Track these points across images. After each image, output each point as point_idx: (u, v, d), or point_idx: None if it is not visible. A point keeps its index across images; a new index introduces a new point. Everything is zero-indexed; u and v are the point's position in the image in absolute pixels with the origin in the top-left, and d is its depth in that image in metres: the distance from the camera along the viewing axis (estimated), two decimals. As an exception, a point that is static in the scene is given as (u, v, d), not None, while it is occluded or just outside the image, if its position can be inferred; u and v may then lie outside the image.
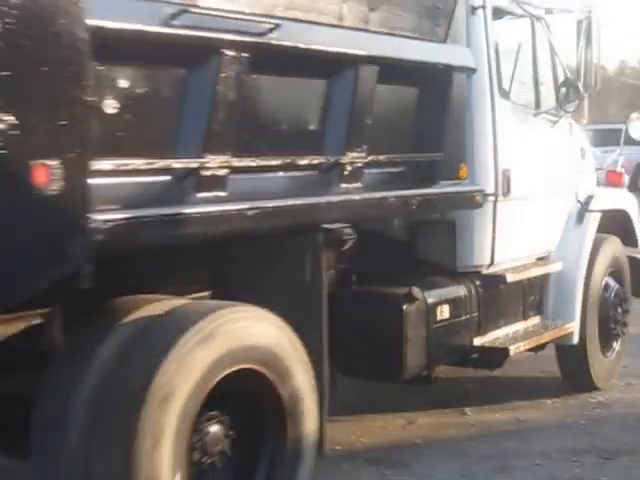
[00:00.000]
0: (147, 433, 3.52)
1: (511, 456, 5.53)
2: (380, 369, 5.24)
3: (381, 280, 5.37)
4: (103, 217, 3.34)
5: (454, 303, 5.51)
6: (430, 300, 5.32)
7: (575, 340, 6.34)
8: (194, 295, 4.41)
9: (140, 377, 3.58)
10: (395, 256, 5.72)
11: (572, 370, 6.65)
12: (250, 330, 3.92)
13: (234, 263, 4.35)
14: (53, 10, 3.17)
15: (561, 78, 6.34)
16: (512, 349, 5.73)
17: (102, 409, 3.62)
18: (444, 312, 5.42)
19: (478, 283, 5.73)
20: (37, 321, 3.99)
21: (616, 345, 6.93)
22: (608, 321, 6.76)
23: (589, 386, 6.63)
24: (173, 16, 3.58)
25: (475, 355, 5.77)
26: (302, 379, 4.13)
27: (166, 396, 3.56)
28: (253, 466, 4.05)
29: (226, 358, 3.79)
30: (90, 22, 3.26)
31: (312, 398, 4.18)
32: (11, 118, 3.04)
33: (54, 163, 3.16)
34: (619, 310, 6.89)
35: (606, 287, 6.74)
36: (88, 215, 3.28)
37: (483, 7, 5.63)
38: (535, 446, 5.69)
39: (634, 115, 7.46)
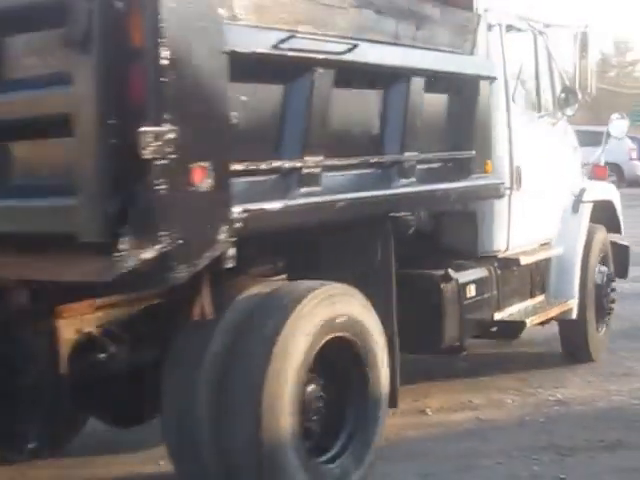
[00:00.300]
0: (270, 387, 4.22)
1: (472, 455, 5.58)
2: (421, 341, 5.94)
3: (416, 263, 6.10)
4: (241, 208, 4.05)
5: (478, 283, 6.26)
6: (461, 280, 6.05)
7: (574, 315, 7.16)
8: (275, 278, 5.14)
9: (262, 344, 4.27)
10: (422, 243, 6.46)
11: (573, 344, 7.45)
12: (341, 304, 4.64)
13: (315, 248, 5.06)
14: (201, 40, 3.86)
15: (560, 85, 7.17)
16: (528, 322, 6.54)
17: (229, 367, 4.30)
18: (472, 291, 6.17)
19: (496, 265, 6.49)
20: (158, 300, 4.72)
21: (606, 321, 7.79)
22: (601, 299, 7.61)
23: (587, 358, 7.42)
24: (282, 40, 4.29)
25: (495, 328, 6.55)
26: (378, 342, 4.87)
27: (284, 361, 4.27)
28: (342, 417, 4.78)
29: (326, 328, 4.51)
30: (226, 48, 3.97)
31: (385, 358, 4.92)
32: (177, 129, 3.71)
33: (207, 165, 3.87)
34: (609, 290, 7.76)
35: (599, 269, 7.59)
36: (230, 207, 3.99)
37: (499, 24, 6.42)
38: (495, 445, 5.75)
39: (614, 116, 8.30)
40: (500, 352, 7.39)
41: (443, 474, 5.32)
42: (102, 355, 4.44)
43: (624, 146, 22.13)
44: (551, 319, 7.10)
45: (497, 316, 6.48)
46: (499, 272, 6.51)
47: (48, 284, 4.17)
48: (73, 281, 3.86)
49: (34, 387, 4.54)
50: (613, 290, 7.86)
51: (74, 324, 4.45)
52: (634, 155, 25.65)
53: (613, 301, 7.84)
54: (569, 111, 7.17)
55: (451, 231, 6.52)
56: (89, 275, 3.66)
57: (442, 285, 5.89)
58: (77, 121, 3.67)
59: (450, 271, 5.96)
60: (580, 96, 7.03)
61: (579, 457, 5.52)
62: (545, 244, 7.22)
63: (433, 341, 5.94)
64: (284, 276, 5.20)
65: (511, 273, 6.67)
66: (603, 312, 7.68)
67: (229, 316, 4.44)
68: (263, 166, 4.28)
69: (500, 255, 6.57)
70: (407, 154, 5.27)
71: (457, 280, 6.02)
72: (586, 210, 7.42)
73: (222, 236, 3.94)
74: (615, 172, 24.52)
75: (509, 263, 6.61)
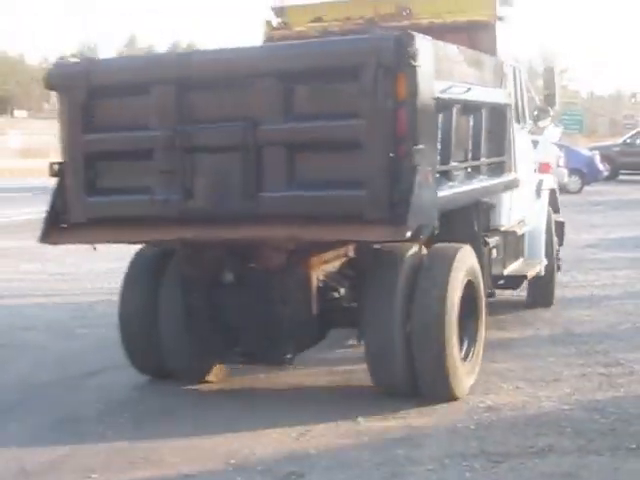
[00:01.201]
0: (447, 310, 6.63)
1: (403, 463, 5.64)
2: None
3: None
4: (441, 194, 6.47)
5: (496, 248, 8.85)
6: (490, 245, 8.64)
7: (542, 272, 9.91)
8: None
9: (439, 283, 6.68)
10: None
11: (540, 294, 10.21)
12: (470, 258, 7.14)
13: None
14: (428, 91, 6.23)
15: (533, 104, 9.91)
16: (528, 274, 9.22)
17: (413, 299, 6.65)
18: (494, 253, 8.76)
19: (501, 235, 9.11)
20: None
21: (557, 275, 10.65)
22: (557, 260, 10.46)
23: (549, 303, 10.19)
24: (448, 88, 6.71)
25: (502, 281, 9.16)
26: (481, 283, 7.40)
27: (453, 297, 6.70)
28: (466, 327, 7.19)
29: (467, 273, 6.99)
30: (435, 95, 6.37)
31: (484, 290, 7.47)
32: (422, 147, 6.10)
33: (430, 168, 6.26)
34: (559, 253, 10.63)
35: (554, 239, 10.41)
36: (437, 194, 6.40)
37: (504, 63, 9.02)
38: (427, 452, 5.81)
39: (550, 125, 11.14)
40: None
41: (371, 481, 5.44)
42: (335, 295, 6.73)
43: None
44: (534, 276, 9.79)
45: (505, 272, 9.11)
46: (503, 240, 9.12)
47: (304, 247, 6.44)
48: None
49: (290, 317, 6.75)
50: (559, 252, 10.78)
51: (315, 273, 6.71)
52: (561, 162, 28.61)
53: (560, 259, 10.73)
54: (542, 123, 9.93)
55: None
56: (385, 237, 6.02)
57: (483, 248, 8.44)
58: (367, 142, 5.98)
59: (487, 238, 8.53)
60: (551, 112, 9.79)
61: (510, 463, 5.60)
62: (521, 221, 9.91)
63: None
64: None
65: (508, 242, 9.31)
66: (558, 268, 10.53)
67: (404, 265, 6.79)
68: (437, 168, 6.71)
69: (503, 228, 9.19)
70: (480, 160, 7.81)
71: (489, 245, 8.59)
72: (545, 195, 10.22)
73: (435, 213, 6.35)
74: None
75: (509, 234, 9.26)
